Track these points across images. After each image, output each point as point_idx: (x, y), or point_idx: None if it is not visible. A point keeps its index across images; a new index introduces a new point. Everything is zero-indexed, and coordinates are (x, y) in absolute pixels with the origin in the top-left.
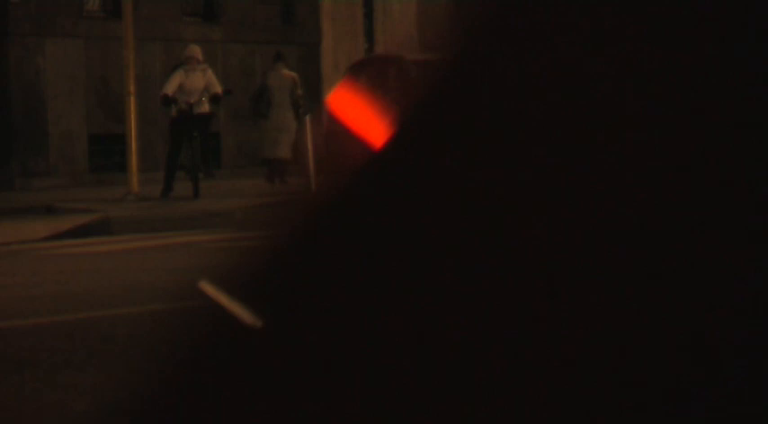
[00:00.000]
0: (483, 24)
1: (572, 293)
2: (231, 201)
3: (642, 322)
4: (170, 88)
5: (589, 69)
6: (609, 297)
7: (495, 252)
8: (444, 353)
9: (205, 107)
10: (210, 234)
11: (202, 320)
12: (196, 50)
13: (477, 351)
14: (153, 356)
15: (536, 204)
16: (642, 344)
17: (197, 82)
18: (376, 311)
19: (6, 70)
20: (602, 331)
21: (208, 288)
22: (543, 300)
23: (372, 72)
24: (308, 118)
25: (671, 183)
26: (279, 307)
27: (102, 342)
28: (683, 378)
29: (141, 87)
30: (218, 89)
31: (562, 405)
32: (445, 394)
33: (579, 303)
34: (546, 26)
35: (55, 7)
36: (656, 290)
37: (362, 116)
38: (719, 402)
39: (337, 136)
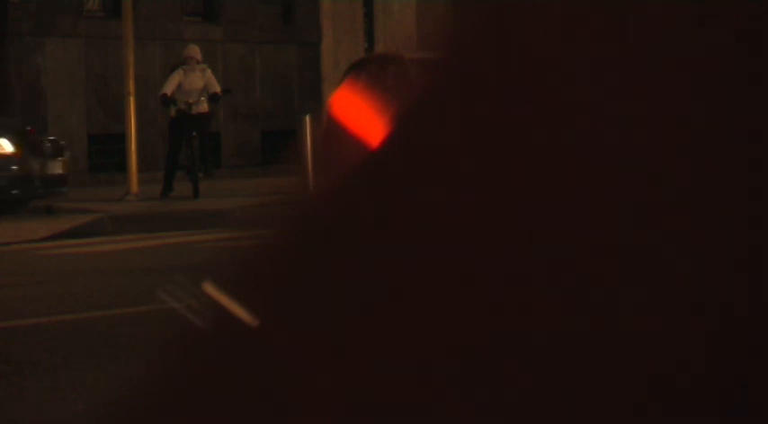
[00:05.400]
0: (483, 23)
1: (571, 291)
2: (231, 201)
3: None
4: (169, 88)
5: (590, 69)
6: (609, 297)
7: (495, 252)
8: (446, 354)
9: (204, 107)
10: (210, 234)
11: (202, 320)
12: (195, 50)
13: (480, 353)
14: (153, 355)
15: (536, 204)
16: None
17: (196, 82)
18: (375, 311)
19: (6, 70)
20: (603, 331)
21: (209, 288)
22: (545, 300)
23: (372, 71)
24: (307, 117)
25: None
26: (278, 307)
27: (103, 342)
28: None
29: (141, 87)
30: (218, 89)
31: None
32: (446, 394)
33: (579, 301)
34: (546, 26)
35: (55, 7)
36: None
37: (361, 115)
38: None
39: (336, 135)
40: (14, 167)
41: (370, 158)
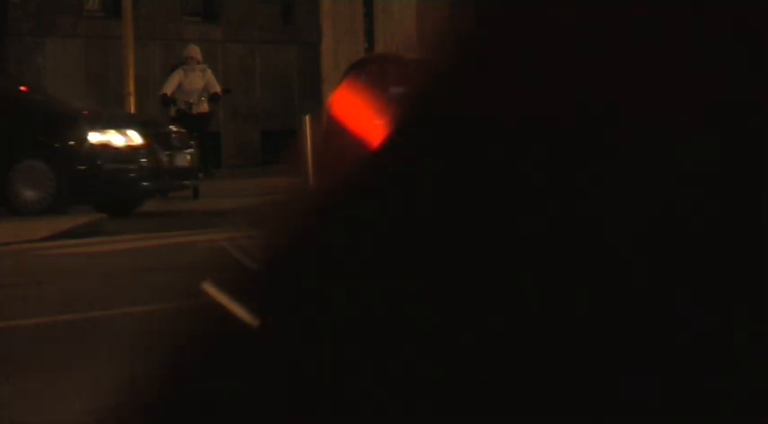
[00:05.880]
0: (482, 23)
1: (570, 292)
2: (231, 201)
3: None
4: (169, 88)
5: (590, 70)
6: (607, 296)
7: (495, 253)
8: (446, 353)
9: (204, 107)
10: (210, 234)
11: (202, 320)
12: (195, 50)
13: (482, 351)
14: (153, 355)
15: (535, 205)
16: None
17: (196, 82)
18: (375, 310)
19: (6, 70)
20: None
21: (209, 288)
22: (543, 300)
23: (372, 71)
24: (307, 117)
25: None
26: (278, 307)
27: (103, 342)
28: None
29: (141, 87)
30: (218, 89)
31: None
32: (449, 396)
33: (577, 303)
34: (546, 26)
35: (55, 7)
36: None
37: (362, 115)
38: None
39: (336, 135)
40: (143, 159)
41: (369, 157)
